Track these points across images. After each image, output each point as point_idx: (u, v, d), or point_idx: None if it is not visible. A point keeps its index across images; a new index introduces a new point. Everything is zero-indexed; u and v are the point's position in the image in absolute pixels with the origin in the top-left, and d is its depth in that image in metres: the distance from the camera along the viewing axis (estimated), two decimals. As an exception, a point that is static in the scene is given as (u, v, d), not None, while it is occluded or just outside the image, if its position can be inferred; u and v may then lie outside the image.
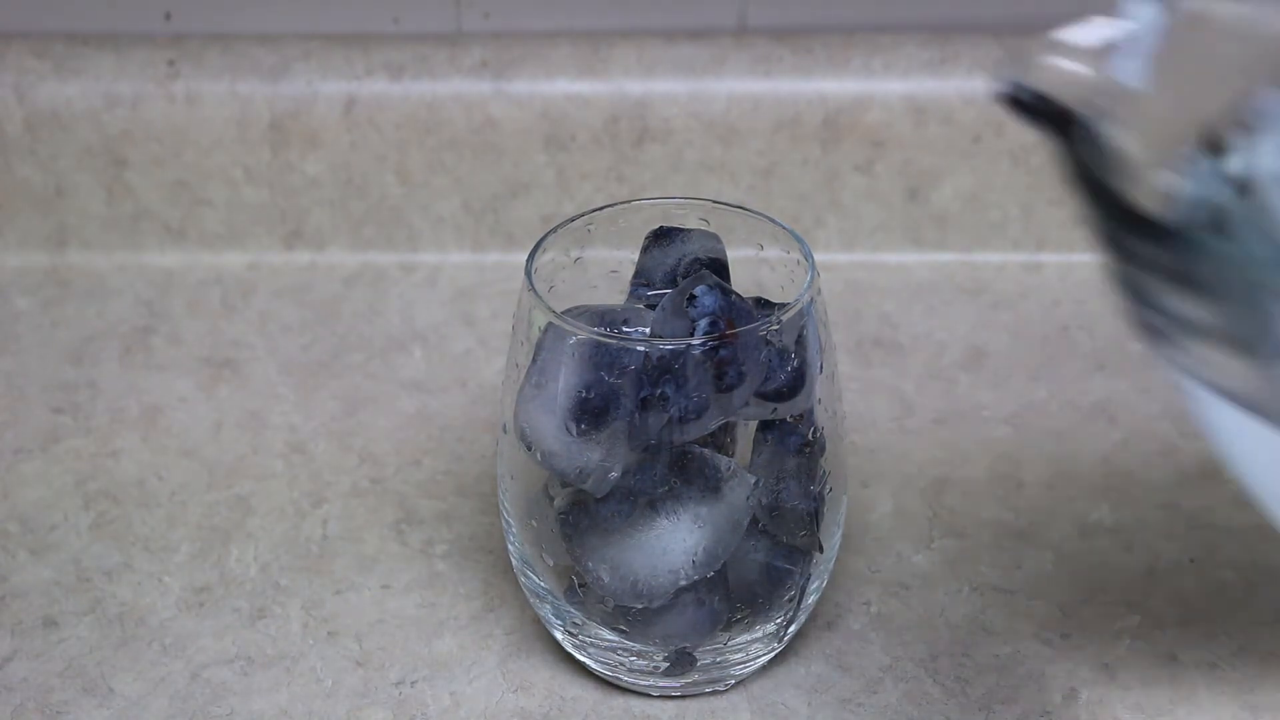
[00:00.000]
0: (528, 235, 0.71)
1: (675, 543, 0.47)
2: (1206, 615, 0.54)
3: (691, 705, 0.51)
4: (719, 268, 0.50)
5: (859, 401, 0.63)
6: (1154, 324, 0.29)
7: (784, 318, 0.46)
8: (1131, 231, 0.27)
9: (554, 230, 0.50)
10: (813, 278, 0.47)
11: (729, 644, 0.49)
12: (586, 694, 0.51)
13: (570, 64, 0.70)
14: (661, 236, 0.50)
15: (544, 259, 0.50)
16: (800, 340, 0.47)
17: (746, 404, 0.46)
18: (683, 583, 0.47)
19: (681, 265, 0.49)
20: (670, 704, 0.51)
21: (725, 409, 0.46)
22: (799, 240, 0.49)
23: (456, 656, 0.52)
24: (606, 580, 0.47)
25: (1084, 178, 0.28)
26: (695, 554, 0.47)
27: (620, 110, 0.70)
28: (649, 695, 0.51)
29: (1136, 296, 0.29)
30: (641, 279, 0.50)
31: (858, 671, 0.52)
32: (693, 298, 0.46)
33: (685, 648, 0.49)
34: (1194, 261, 0.26)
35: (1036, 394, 0.63)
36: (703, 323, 0.46)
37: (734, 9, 0.72)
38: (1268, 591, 0.55)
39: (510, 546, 0.51)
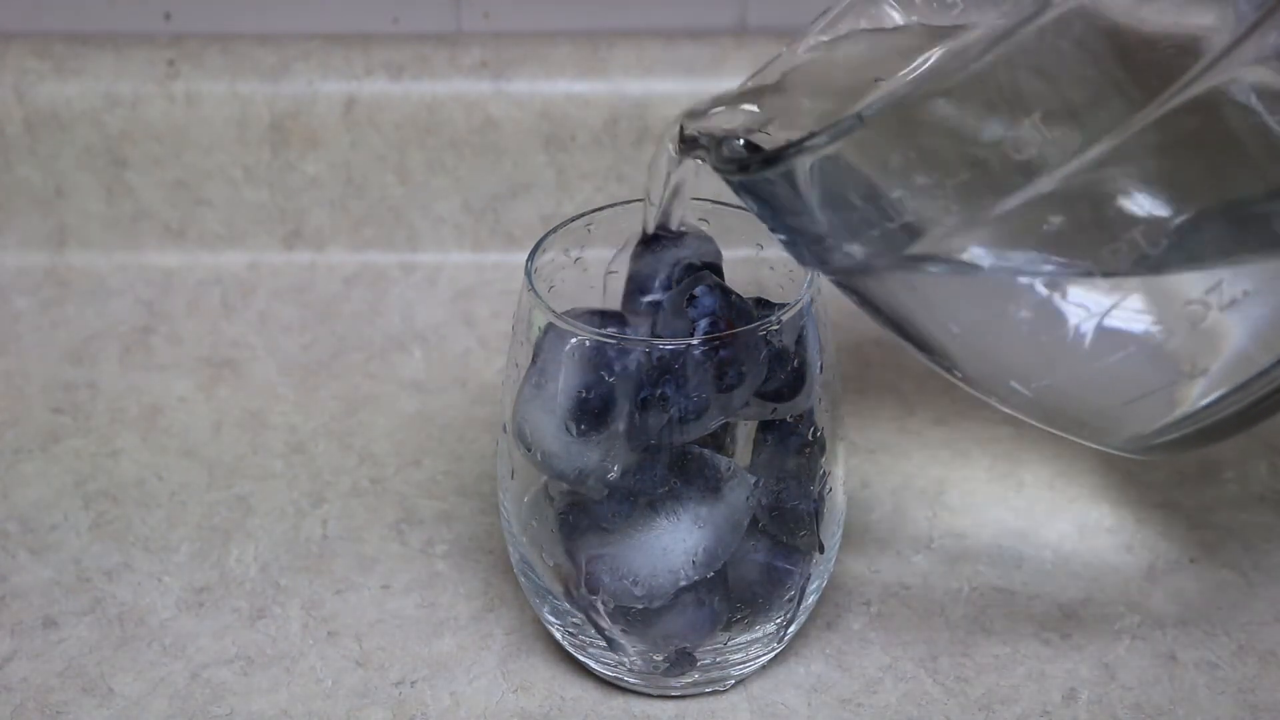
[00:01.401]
0: (528, 235, 0.71)
1: (675, 543, 0.47)
2: (1206, 615, 0.54)
3: (691, 705, 0.51)
4: (714, 271, 0.50)
5: (859, 401, 0.63)
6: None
7: (784, 318, 0.46)
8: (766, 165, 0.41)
9: (554, 230, 0.50)
10: (813, 278, 0.47)
11: (729, 644, 0.49)
12: (586, 694, 0.51)
13: (570, 64, 0.70)
14: (652, 241, 0.50)
15: (544, 259, 0.50)
16: (800, 340, 0.47)
17: (746, 404, 0.46)
18: (683, 583, 0.47)
19: (676, 270, 0.49)
20: (670, 704, 0.51)
21: (725, 409, 0.46)
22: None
23: (456, 656, 0.52)
24: (606, 580, 0.47)
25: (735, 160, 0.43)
26: (695, 554, 0.47)
27: (620, 110, 0.70)
28: (649, 695, 0.51)
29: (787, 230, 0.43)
30: (635, 285, 0.50)
31: (858, 671, 0.52)
32: (693, 298, 0.46)
33: (685, 648, 0.49)
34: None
35: (1036, 394, 0.63)
36: (703, 323, 0.46)
37: (734, 9, 0.72)
38: (1268, 591, 0.55)
39: (510, 546, 0.51)
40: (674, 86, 0.70)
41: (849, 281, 0.44)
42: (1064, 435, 0.46)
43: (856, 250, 0.42)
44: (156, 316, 0.70)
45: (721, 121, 0.47)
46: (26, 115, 0.71)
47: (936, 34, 0.48)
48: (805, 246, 0.43)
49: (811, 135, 0.40)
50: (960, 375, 0.45)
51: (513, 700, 0.51)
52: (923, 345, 0.45)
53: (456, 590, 0.55)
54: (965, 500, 0.59)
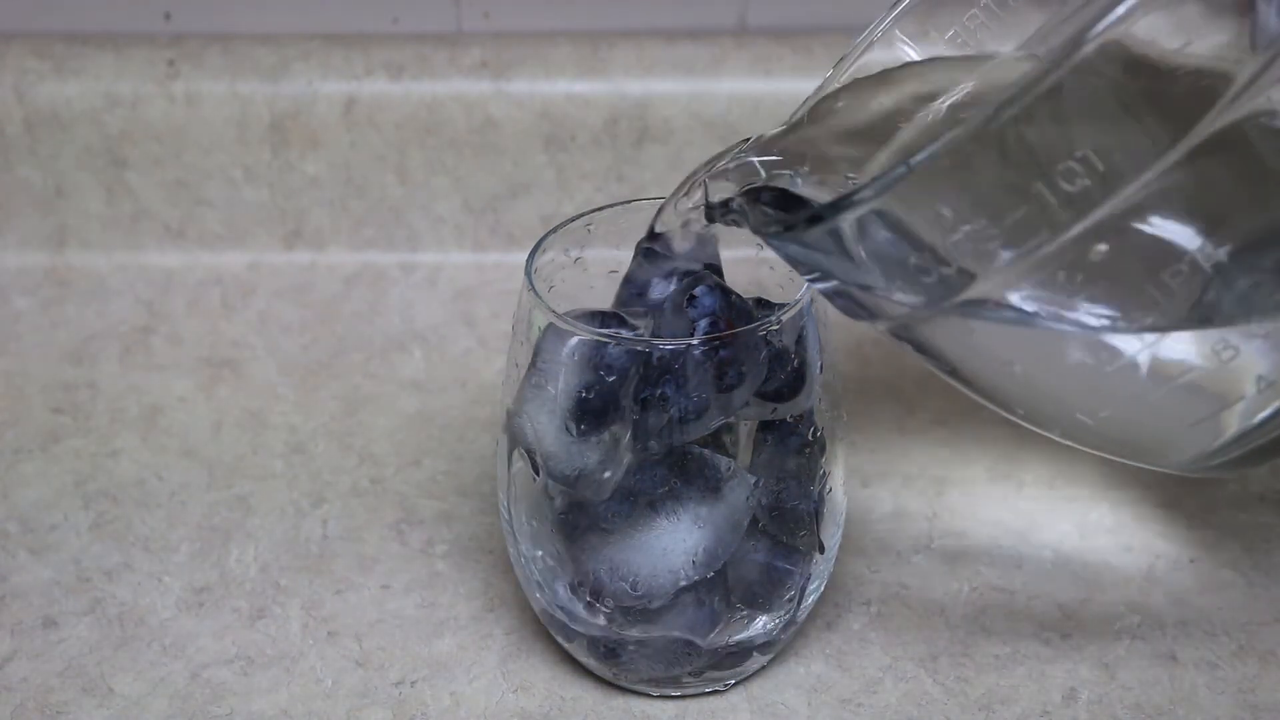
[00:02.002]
0: (528, 235, 0.71)
1: (675, 543, 0.47)
2: (1206, 615, 0.54)
3: (691, 705, 0.51)
4: (714, 272, 0.50)
5: (859, 401, 0.63)
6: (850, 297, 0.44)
7: (784, 318, 0.46)
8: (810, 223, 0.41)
9: (554, 230, 0.50)
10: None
11: (729, 644, 0.49)
12: (586, 694, 0.51)
13: (570, 64, 0.70)
14: (650, 255, 0.49)
15: (544, 259, 0.50)
16: (800, 340, 0.47)
17: (746, 404, 0.46)
18: (683, 583, 0.47)
19: (675, 274, 0.49)
20: (670, 704, 0.51)
21: (725, 409, 0.46)
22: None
23: (456, 656, 0.52)
24: (606, 580, 0.47)
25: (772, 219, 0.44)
26: (695, 554, 0.47)
27: (620, 110, 0.70)
28: (649, 695, 0.51)
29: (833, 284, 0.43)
30: (634, 289, 0.50)
31: (858, 671, 0.52)
32: (693, 298, 0.47)
33: (688, 651, 0.49)
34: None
35: (1036, 394, 0.63)
36: (703, 323, 0.46)
37: (734, 9, 0.72)
38: (1268, 591, 0.55)
39: (510, 547, 0.51)
40: (674, 86, 0.70)
41: (904, 332, 0.44)
42: (1127, 462, 0.46)
43: (911, 298, 0.42)
44: (156, 316, 0.70)
45: (748, 176, 0.47)
46: (26, 115, 0.71)
47: (953, 70, 0.49)
48: (856, 299, 0.43)
49: (858, 189, 0.39)
50: (1021, 413, 0.45)
51: (513, 700, 0.51)
52: (982, 388, 0.45)
53: (456, 590, 0.55)
54: (965, 500, 0.59)
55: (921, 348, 0.44)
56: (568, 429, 0.46)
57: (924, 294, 0.41)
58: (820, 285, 0.43)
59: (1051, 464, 0.60)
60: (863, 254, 0.41)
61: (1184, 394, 0.43)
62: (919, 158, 0.38)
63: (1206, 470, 0.45)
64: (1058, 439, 0.46)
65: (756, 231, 0.44)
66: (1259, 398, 0.43)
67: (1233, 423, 0.44)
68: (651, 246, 0.49)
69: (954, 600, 0.54)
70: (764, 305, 0.49)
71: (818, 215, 0.40)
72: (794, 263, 0.43)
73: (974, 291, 0.40)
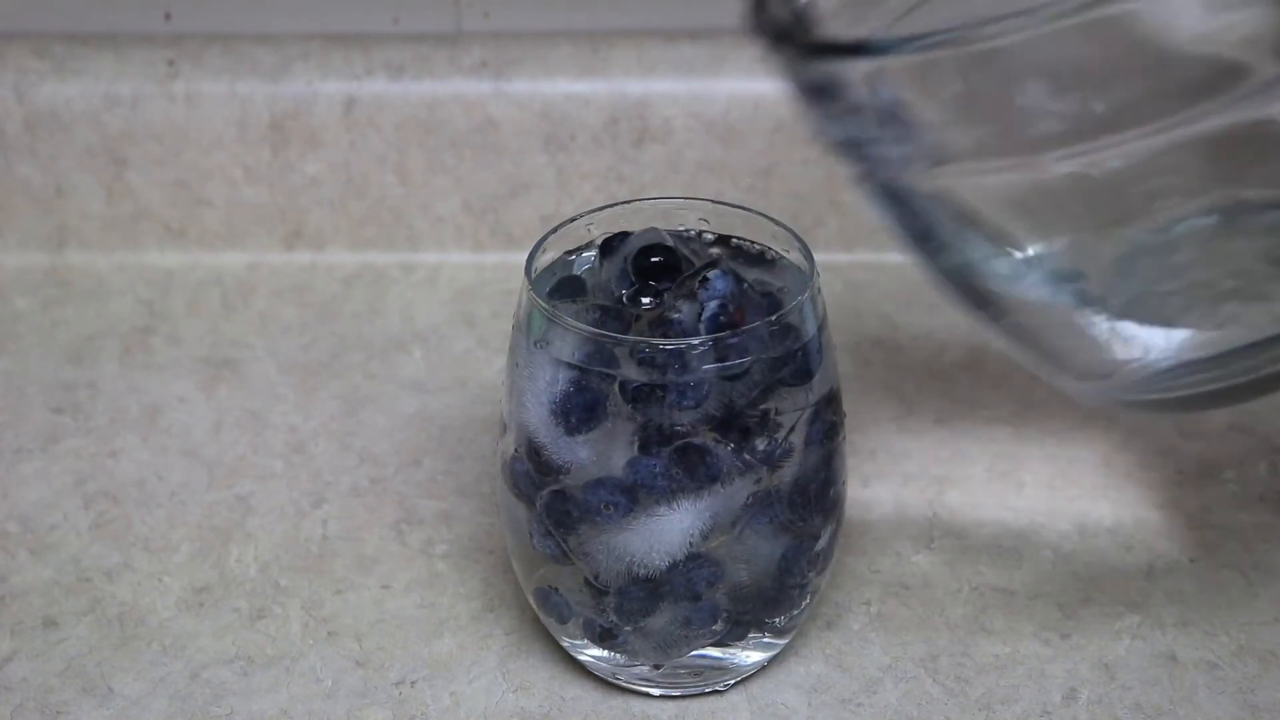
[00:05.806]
0: (528, 235, 0.71)
1: (672, 525, 0.46)
2: (1206, 615, 0.54)
3: (691, 705, 0.51)
4: (667, 252, 0.49)
5: (859, 401, 0.63)
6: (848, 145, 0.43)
7: (784, 317, 0.46)
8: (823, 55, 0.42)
9: (554, 230, 0.50)
10: (813, 277, 0.47)
11: (729, 644, 0.49)
12: (586, 694, 0.51)
13: (570, 64, 0.70)
14: (607, 249, 0.49)
15: (544, 259, 0.50)
16: (800, 339, 0.47)
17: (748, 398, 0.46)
18: (678, 565, 0.47)
19: (628, 261, 0.49)
20: (670, 704, 0.51)
21: (726, 399, 0.46)
22: (799, 240, 0.49)
23: (456, 656, 0.52)
24: (603, 562, 0.47)
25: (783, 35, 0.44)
26: (692, 537, 0.46)
27: (620, 110, 0.70)
28: (649, 695, 0.51)
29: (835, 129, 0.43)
30: (605, 294, 0.50)
31: (858, 671, 0.52)
32: (705, 280, 0.46)
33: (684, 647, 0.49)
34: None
35: (1036, 394, 0.63)
36: (712, 304, 0.46)
37: (734, 9, 0.72)
38: (1268, 591, 0.55)
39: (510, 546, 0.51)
40: (674, 86, 0.70)
41: (895, 193, 0.44)
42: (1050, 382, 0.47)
43: (903, 151, 0.41)
44: (156, 316, 0.70)
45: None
46: (26, 115, 0.71)
47: None
48: (857, 151, 0.43)
49: (920, 36, 0.39)
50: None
51: (513, 700, 0.51)
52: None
53: (456, 590, 0.55)
54: (965, 500, 0.59)
55: (919, 205, 0.44)
56: (564, 423, 0.46)
57: (915, 149, 0.41)
58: (829, 131, 0.43)
59: (1051, 464, 0.60)
60: (864, 103, 0.41)
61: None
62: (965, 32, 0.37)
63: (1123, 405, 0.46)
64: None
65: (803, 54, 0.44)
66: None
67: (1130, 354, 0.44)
68: (609, 240, 0.49)
69: (954, 600, 0.54)
70: (765, 298, 0.49)
71: (844, 48, 0.41)
72: (801, 96, 0.43)
73: (955, 166, 0.41)
